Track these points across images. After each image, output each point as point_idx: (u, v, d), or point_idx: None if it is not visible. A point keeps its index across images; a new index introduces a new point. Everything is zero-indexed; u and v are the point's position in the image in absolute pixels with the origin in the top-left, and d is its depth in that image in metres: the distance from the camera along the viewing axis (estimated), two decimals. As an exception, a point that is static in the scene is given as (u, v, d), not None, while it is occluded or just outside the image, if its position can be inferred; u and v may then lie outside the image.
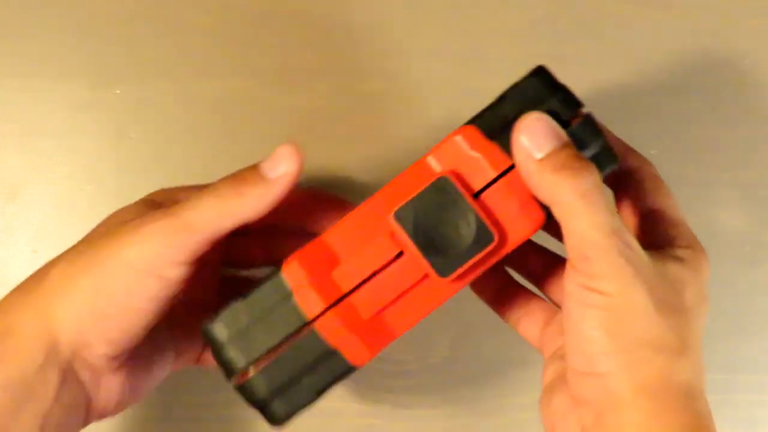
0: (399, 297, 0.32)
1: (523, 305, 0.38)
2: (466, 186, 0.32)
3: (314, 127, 0.44)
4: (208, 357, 0.37)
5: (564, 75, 0.44)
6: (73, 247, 0.34)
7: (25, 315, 0.32)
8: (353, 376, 0.45)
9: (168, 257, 0.31)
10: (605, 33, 0.44)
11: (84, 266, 0.32)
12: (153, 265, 0.31)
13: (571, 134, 0.32)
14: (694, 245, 0.34)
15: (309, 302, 0.32)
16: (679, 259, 0.32)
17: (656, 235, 0.33)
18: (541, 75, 0.33)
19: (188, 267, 0.32)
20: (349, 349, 0.32)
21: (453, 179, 0.32)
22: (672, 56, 0.44)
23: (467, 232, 0.32)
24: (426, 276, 0.32)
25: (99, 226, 0.35)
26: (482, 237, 0.32)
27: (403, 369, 0.45)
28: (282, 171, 0.32)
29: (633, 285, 0.29)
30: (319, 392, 0.33)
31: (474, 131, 0.32)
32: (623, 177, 0.35)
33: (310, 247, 0.32)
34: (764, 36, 0.45)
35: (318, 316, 0.32)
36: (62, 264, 0.33)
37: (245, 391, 0.33)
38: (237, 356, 0.32)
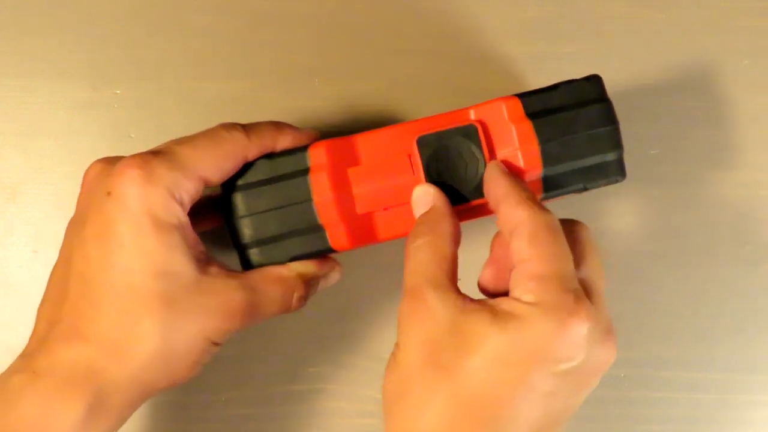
0: (393, 207, 0.36)
1: None
2: (490, 142, 0.36)
3: (314, 127, 0.44)
4: None
5: (564, 75, 0.44)
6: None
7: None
8: (353, 377, 0.45)
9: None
10: (605, 33, 0.44)
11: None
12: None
13: (596, 138, 0.36)
14: (542, 304, 0.31)
15: (320, 183, 0.36)
16: (495, 314, 0.31)
17: (512, 287, 0.32)
18: (594, 82, 0.36)
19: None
20: (335, 232, 0.36)
21: (480, 130, 0.36)
22: (672, 56, 0.44)
23: (472, 180, 0.36)
24: None
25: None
26: (482, 190, 0.36)
27: (403, 369, 0.45)
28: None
29: (405, 337, 0.32)
30: (292, 258, 0.37)
31: (517, 104, 0.36)
32: (515, 230, 0.33)
33: (339, 141, 0.36)
34: (764, 36, 0.45)
35: (322, 197, 0.36)
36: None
37: (233, 231, 0.37)
38: (242, 202, 0.36)
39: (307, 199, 0.36)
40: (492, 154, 0.36)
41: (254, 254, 0.37)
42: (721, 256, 0.45)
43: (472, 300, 0.32)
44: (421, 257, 0.33)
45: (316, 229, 0.36)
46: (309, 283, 0.37)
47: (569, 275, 0.32)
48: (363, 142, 0.36)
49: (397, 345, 0.33)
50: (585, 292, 0.32)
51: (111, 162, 0.35)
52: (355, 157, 0.36)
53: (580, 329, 0.30)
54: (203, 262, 0.34)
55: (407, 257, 0.34)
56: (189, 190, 0.34)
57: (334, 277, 0.39)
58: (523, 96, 0.36)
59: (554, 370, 0.30)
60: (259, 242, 0.36)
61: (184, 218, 0.34)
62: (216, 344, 0.34)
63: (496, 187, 0.34)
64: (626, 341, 0.45)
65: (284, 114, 0.44)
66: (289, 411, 0.45)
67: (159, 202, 0.33)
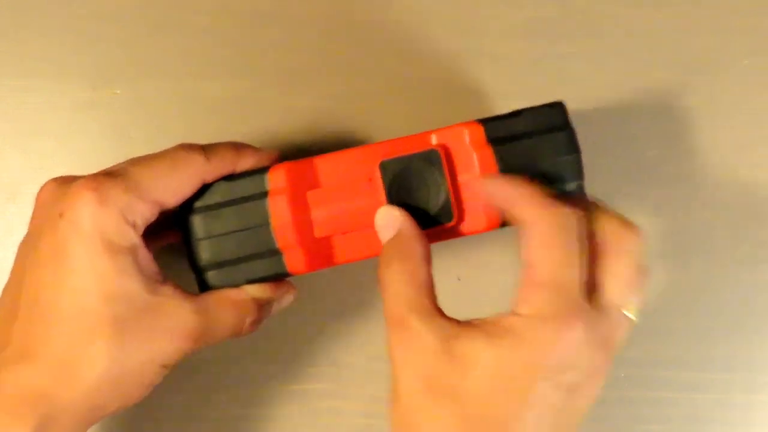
0: (352, 231, 0.36)
1: None
2: (452, 168, 0.36)
3: (314, 128, 0.44)
4: None
5: (564, 75, 0.45)
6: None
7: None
8: (353, 377, 0.45)
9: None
10: (605, 33, 0.44)
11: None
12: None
13: (558, 167, 0.36)
14: (541, 314, 0.31)
15: (278, 207, 0.35)
16: (490, 333, 0.31)
17: (516, 296, 0.32)
18: (558, 109, 0.36)
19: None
20: (292, 256, 0.36)
21: (443, 155, 0.36)
22: (671, 56, 0.44)
23: (434, 205, 0.36)
24: None
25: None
26: (444, 215, 0.36)
27: (403, 369, 0.45)
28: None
29: (396, 365, 0.32)
30: (249, 281, 0.36)
31: (479, 130, 0.36)
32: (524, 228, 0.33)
33: (299, 164, 0.36)
34: (764, 36, 0.45)
35: (280, 221, 0.35)
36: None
37: (190, 253, 0.36)
38: (199, 224, 0.36)
39: (265, 223, 0.35)
40: (454, 180, 0.36)
41: (211, 277, 0.36)
42: (720, 256, 0.45)
43: (459, 322, 0.32)
44: (398, 285, 0.33)
45: (274, 253, 0.36)
46: (263, 307, 0.37)
47: (571, 281, 0.31)
48: (323, 164, 0.36)
49: (393, 377, 0.32)
50: (592, 292, 0.32)
51: (65, 182, 0.34)
52: (315, 180, 0.36)
53: (576, 337, 0.30)
54: (157, 284, 0.34)
55: (383, 286, 0.33)
56: (143, 213, 0.33)
57: (288, 299, 0.39)
58: (486, 122, 0.36)
59: (557, 380, 0.30)
60: (216, 265, 0.36)
61: (138, 241, 0.33)
62: (166, 367, 0.34)
63: (503, 192, 0.34)
64: (626, 341, 0.45)
65: (284, 114, 0.44)
66: (289, 411, 0.45)
67: (112, 225, 0.32)
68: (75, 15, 0.43)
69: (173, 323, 0.34)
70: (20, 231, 0.43)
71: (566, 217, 0.32)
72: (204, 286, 0.37)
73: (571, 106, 0.44)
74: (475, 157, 0.35)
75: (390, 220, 0.35)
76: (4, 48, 0.43)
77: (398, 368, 0.32)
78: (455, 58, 0.44)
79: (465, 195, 0.36)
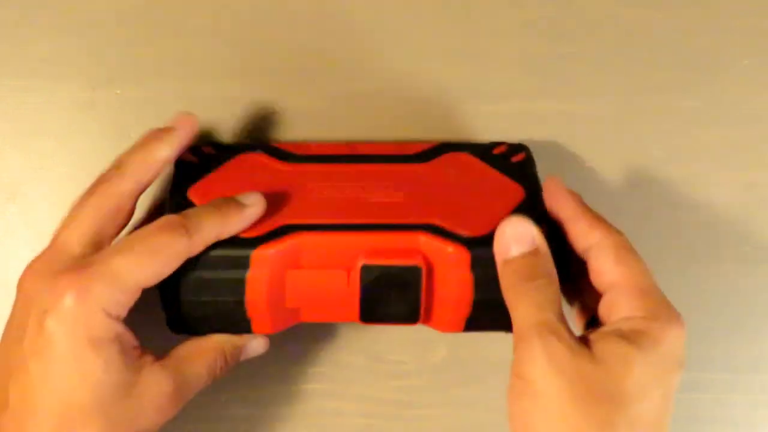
0: (320, 301, 0.37)
1: None
2: (430, 283, 0.36)
3: (314, 128, 0.44)
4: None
5: (564, 75, 0.44)
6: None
7: None
8: (353, 377, 0.45)
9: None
10: (605, 33, 0.44)
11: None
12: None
13: None
14: (657, 315, 0.33)
15: (255, 287, 0.36)
16: (626, 337, 0.33)
17: (615, 308, 0.34)
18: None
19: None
20: (259, 323, 0.37)
21: (424, 273, 0.36)
22: (671, 56, 0.44)
23: (404, 308, 0.37)
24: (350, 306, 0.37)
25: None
26: (411, 316, 0.37)
27: (403, 369, 0.45)
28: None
29: (549, 374, 0.32)
30: (214, 333, 0.38)
31: (465, 256, 0.36)
32: (591, 251, 0.36)
33: (286, 244, 0.36)
34: (764, 36, 0.45)
35: (254, 296, 0.36)
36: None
37: (165, 301, 0.37)
38: (176, 282, 0.36)
39: (240, 296, 0.36)
40: (429, 293, 0.36)
41: (190, 326, 0.37)
42: (721, 256, 0.45)
43: (590, 332, 0.34)
44: (545, 296, 0.34)
45: (243, 319, 0.37)
46: (232, 354, 0.38)
47: (657, 285, 0.34)
48: (308, 244, 0.36)
49: (527, 381, 0.32)
50: None
51: (48, 274, 0.34)
52: (297, 261, 0.36)
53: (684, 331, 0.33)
54: (137, 361, 0.35)
55: (526, 294, 0.34)
56: (126, 303, 0.34)
57: (259, 347, 0.40)
58: (474, 249, 0.36)
59: (680, 374, 0.33)
60: (187, 317, 0.37)
61: (121, 329, 0.34)
62: None
63: (562, 204, 0.36)
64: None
65: (284, 114, 0.44)
66: (289, 411, 0.45)
67: (96, 322, 0.33)
68: (75, 15, 0.43)
69: (155, 397, 0.35)
70: (20, 231, 0.43)
71: (622, 234, 0.35)
72: (171, 325, 0.38)
73: (570, 106, 0.45)
74: (454, 279, 0.36)
75: (527, 237, 0.35)
76: (4, 48, 0.43)
77: (543, 372, 0.32)
78: (454, 58, 0.44)
79: (436, 305, 0.37)
